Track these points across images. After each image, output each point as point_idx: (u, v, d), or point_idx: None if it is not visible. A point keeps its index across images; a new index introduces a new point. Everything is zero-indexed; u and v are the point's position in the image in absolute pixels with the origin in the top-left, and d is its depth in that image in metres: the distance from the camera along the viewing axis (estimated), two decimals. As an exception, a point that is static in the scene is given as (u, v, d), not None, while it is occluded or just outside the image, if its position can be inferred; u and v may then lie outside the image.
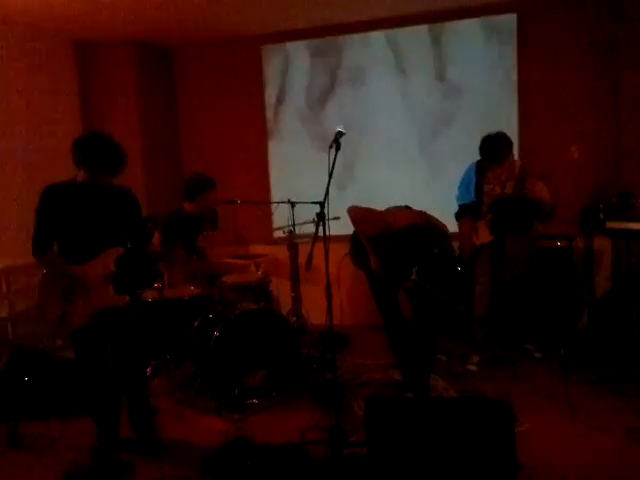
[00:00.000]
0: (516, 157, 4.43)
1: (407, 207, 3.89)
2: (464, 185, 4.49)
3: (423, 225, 3.65)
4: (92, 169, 3.09)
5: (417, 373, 3.90)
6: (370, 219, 3.82)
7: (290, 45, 5.98)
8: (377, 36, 5.72)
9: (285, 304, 5.53)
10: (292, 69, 6.02)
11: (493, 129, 4.24)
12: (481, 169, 4.37)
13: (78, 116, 5.89)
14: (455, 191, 4.55)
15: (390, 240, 3.68)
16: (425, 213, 3.76)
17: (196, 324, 4.22)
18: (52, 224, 3.13)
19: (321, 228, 3.17)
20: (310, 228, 3.91)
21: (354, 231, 3.93)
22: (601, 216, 4.36)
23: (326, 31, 5.81)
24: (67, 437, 3.50)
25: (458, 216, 4.45)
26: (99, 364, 3.30)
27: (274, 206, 5.46)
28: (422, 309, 3.86)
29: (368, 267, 3.84)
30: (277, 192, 6.06)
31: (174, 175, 6.26)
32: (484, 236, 4.34)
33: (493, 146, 4.19)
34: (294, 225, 5.18)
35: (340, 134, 3.23)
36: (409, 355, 3.96)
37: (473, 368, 4.40)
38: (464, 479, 2.63)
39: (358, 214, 3.85)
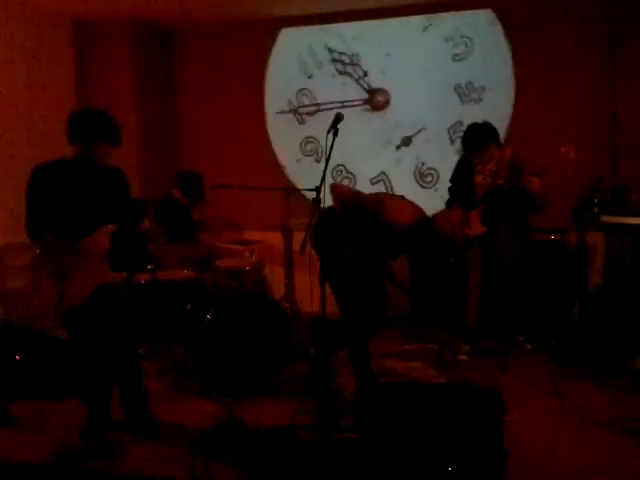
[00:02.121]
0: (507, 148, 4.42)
1: (402, 197, 3.71)
2: (456, 177, 4.50)
3: (427, 226, 3.46)
4: (90, 139, 3.09)
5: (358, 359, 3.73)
6: (359, 202, 3.58)
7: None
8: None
9: (278, 290, 5.53)
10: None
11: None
12: (471, 160, 4.36)
13: (74, 97, 5.82)
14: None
15: (390, 235, 3.41)
16: (421, 208, 3.57)
17: (188, 307, 4.23)
18: (44, 204, 3.11)
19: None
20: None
21: (328, 208, 3.40)
22: (596, 210, 4.37)
23: (331, 18, 5.77)
24: (58, 416, 3.50)
25: (449, 204, 4.44)
26: (92, 345, 3.30)
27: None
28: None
29: (337, 249, 3.47)
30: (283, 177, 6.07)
31: (170, 158, 6.22)
32: (477, 227, 4.34)
33: (473, 135, 4.21)
34: (289, 212, 5.17)
35: (338, 119, 3.19)
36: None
37: (464, 358, 4.42)
38: (452, 466, 2.65)
39: (346, 194, 3.65)
